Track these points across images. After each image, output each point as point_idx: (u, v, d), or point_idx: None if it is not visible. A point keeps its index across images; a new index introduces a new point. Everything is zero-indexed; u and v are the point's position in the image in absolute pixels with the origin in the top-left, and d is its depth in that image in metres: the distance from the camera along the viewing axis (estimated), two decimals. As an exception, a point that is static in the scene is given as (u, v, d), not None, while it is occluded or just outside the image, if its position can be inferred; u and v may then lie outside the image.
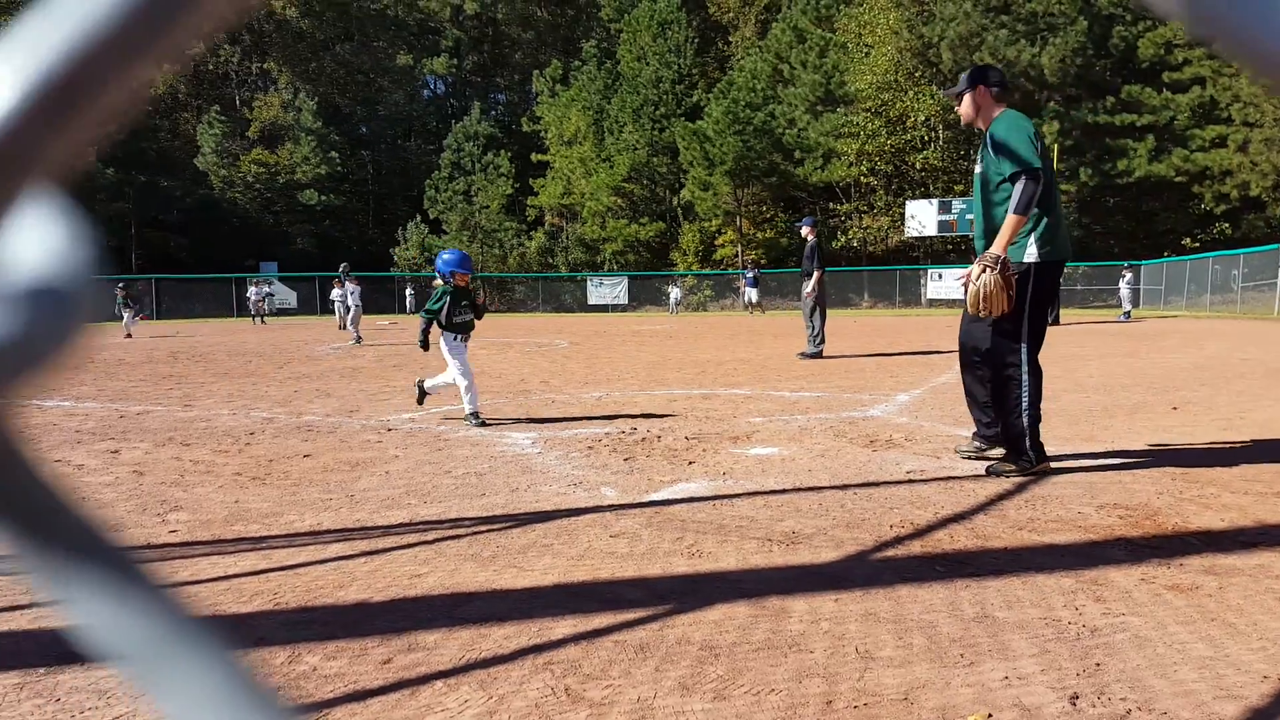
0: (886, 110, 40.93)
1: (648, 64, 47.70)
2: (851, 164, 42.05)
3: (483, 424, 6.47)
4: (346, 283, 19.56)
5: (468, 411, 6.57)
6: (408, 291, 45.73)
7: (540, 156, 51.10)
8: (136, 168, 44.56)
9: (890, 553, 3.30)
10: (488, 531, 3.67)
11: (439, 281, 6.78)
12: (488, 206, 48.52)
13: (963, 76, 4.74)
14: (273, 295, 38.38)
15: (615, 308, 46.39)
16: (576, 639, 2.46)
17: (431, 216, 49.85)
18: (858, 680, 2.19)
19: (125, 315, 22.84)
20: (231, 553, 3.52)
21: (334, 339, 19.99)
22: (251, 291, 33.02)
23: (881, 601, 2.76)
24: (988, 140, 4.51)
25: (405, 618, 2.67)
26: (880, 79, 40.54)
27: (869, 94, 40.96)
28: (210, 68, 53.54)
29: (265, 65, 54.19)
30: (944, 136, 41.40)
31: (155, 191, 45.58)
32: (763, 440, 5.75)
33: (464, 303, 6.67)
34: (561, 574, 3.06)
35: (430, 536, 3.60)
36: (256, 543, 3.62)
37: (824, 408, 7.31)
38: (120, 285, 24.96)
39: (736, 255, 46.05)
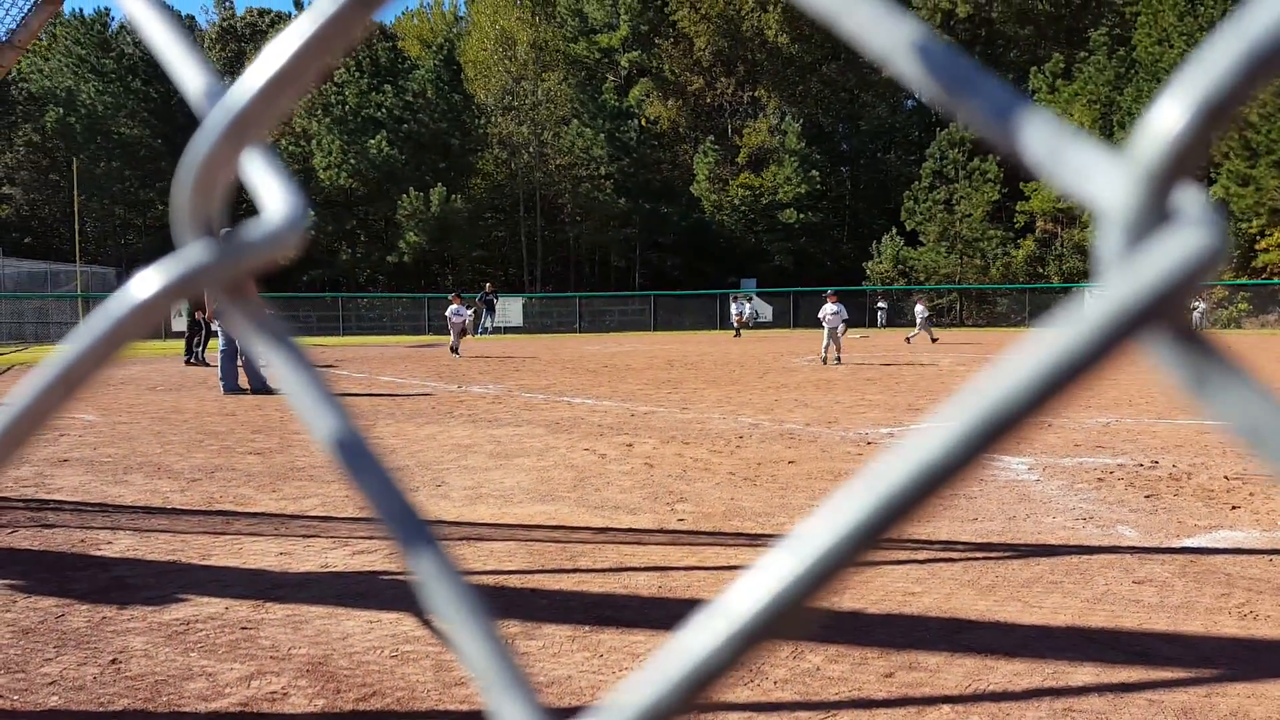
0: None
1: (1172, 46, 41.32)
2: None
3: None
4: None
5: None
6: (879, 305, 45.62)
7: (1032, 159, 47.22)
8: (643, 197, 51.16)
9: None
10: (984, 559, 3.48)
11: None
12: (970, 215, 46.28)
13: None
14: (751, 310, 41.20)
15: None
16: (1100, 689, 2.21)
17: (908, 228, 49.08)
18: None
19: None
20: (732, 545, 3.83)
21: (805, 352, 20.76)
22: (734, 308, 35.58)
23: None
24: None
25: (902, 635, 2.65)
26: None
27: None
28: (707, 100, 59.24)
29: (756, 93, 58.33)
30: None
31: (657, 217, 51.83)
32: (1339, 490, 4.59)
33: None
34: (1075, 616, 2.77)
35: (921, 556, 3.52)
36: (753, 539, 3.89)
37: None
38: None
39: (1287, 261, 37.56)
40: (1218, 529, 3.83)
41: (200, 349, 15.57)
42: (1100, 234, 0.24)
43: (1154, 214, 0.23)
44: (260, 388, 10.47)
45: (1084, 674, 2.31)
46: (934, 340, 23.84)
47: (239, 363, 10.57)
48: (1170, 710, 2.10)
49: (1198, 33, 40.92)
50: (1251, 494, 4.50)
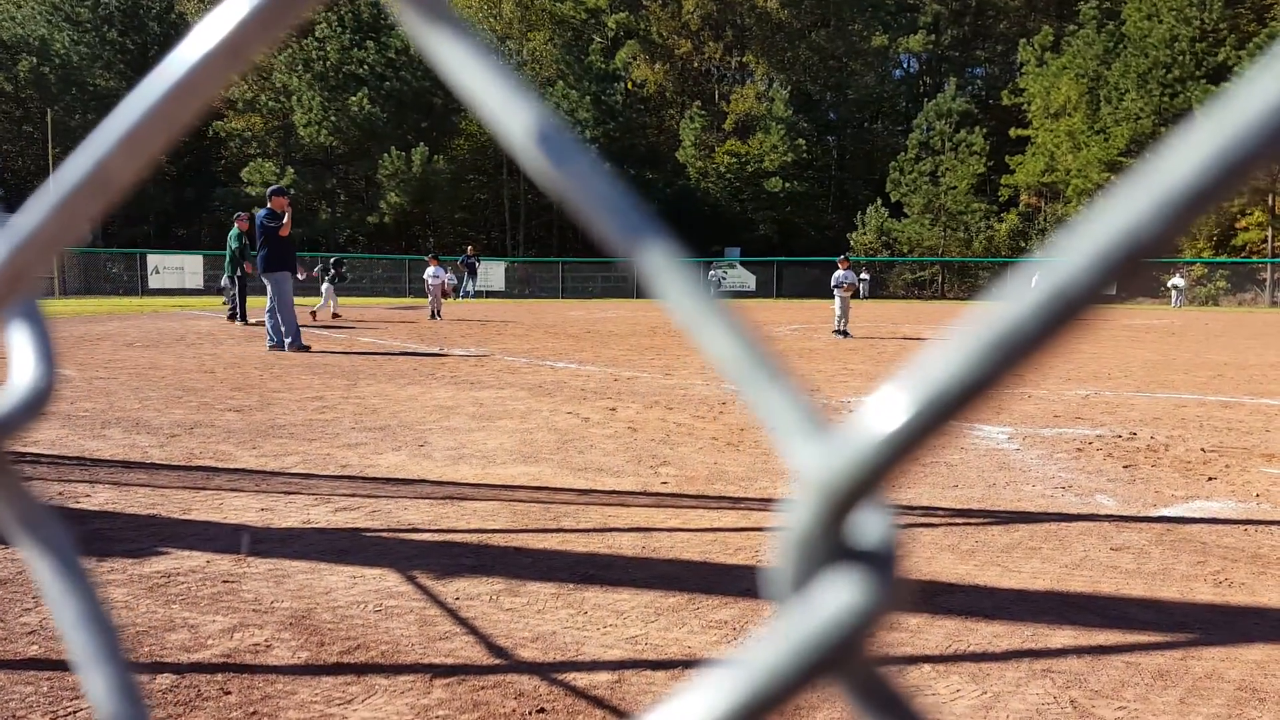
0: None
1: (1160, 21, 41.24)
2: None
3: None
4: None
5: None
6: (863, 276, 45.72)
7: (1020, 131, 47.22)
8: (628, 161, 50.75)
9: None
10: (964, 525, 3.51)
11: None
12: (955, 187, 46.29)
13: None
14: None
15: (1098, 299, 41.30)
16: (1078, 651, 2.25)
17: (893, 200, 49.05)
18: None
19: None
20: (715, 508, 3.84)
21: (789, 321, 20.80)
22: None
23: None
24: None
25: (884, 595, 2.68)
26: None
27: None
28: (695, 65, 58.60)
29: (744, 59, 57.76)
30: None
31: (642, 183, 51.47)
32: (1312, 463, 4.67)
33: None
34: (1053, 580, 2.81)
35: (902, 521, 3.55)
36: (735, 502, 3.91)
37: (1405, 432, 5.71)
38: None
39: (1265, 242, 37.98)
40: (1194, 499, 3.89)
41: (240, 306, 14.80)
42: (777, 541, 0.21)
43: (825, 545, 0.21)
44: (297, 345, 10.47)
45: (1062, 636, 2.35)
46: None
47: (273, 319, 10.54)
48: (1147, 672, 2.13)
49: (1187, 8, 40.87)
50: (1228, 466, 4.56)
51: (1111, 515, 3.61)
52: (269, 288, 10.57)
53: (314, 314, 16.50)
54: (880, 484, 0.20)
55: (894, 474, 0.19)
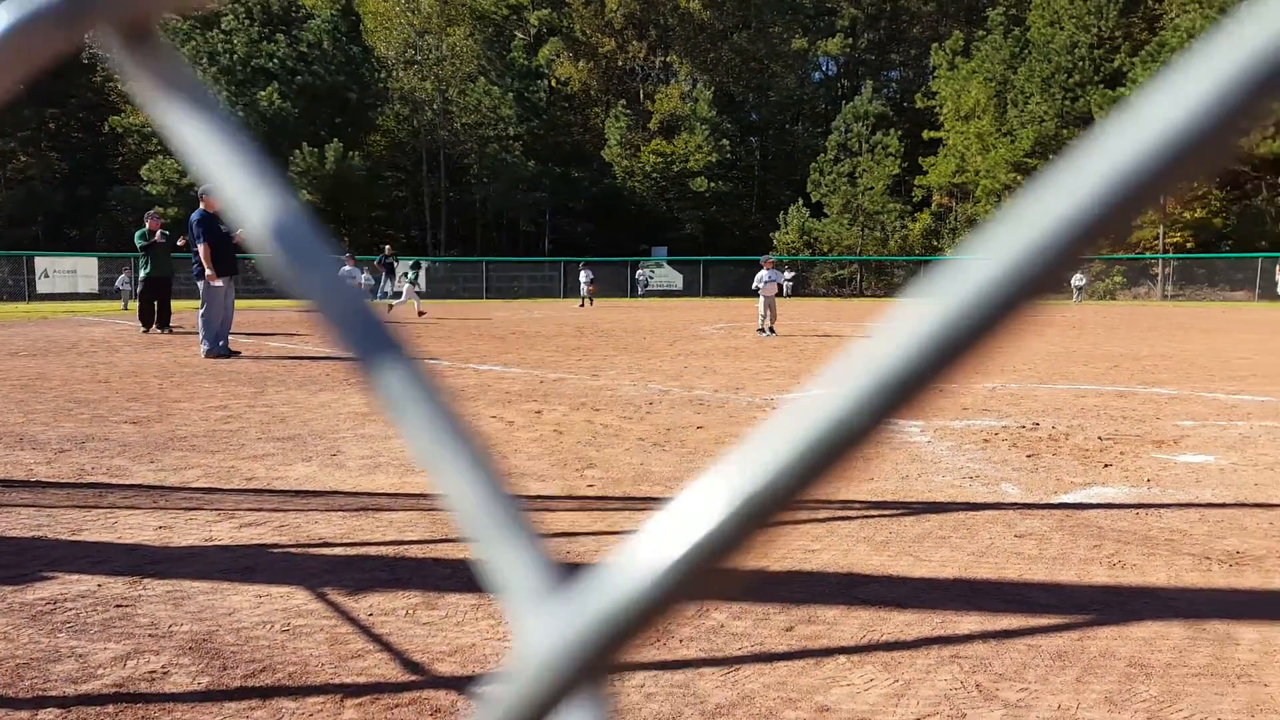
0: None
1: (1062, 28, 43.10)
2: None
3: None
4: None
5: None
6: (786, 275, 46.50)
7: (933, 134, 48.73)
8: (553, 160, 50.46)
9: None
10: (879, 516, 3.59)
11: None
12: (872, 188, 47.46)
13: None
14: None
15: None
16: (984, 636, 2.32)
17: (814, 200, 50.02)
18: (1348, 742, 1.79)
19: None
20: (640, 510, 3.84)
21: (715, 320, 21.01)
22: (583, 276, 31.28)
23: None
24: None
25: (802, 589, 2.71)
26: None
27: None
28: (619, 64, 58.65)
29: (668, 58, 58.09)
30: None
31: (567, 181, 51.25)
32: (1194, 447, 4.94)
33: None
34: (961, 568, 2.89)
35: (820, 515, 3.60)
36: (661, 503, 3.91)
37: (1274, 414, 6.08)
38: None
39: (1157, 238, 40.04)
40: (1092, 485, 4.06)
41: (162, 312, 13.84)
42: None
43: None
44: (222, 353, 10.22)
45: (969, 622, 2.41)
46: None
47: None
48: (1047, 653, 2.21)
49: (1086, 16, 42.72)
50: (1122, 453, 4.78)
51: (1016, 503, 3.74)
52: (201, 291, 10.30)
53: (390, 308, 19.36)
54: (608, 661, 0.17)
55: (630, 644, 0.17)
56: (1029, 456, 4.70)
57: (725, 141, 52.16)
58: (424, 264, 24.12)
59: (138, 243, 13.38)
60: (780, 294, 15.43)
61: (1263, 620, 2.43)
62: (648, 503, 3.90)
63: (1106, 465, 4.48)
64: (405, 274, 21.53)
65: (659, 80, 59.16)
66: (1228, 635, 2.32)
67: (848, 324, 18.73)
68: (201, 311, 10.34)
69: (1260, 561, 2.94)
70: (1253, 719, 1.87)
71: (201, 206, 10.42)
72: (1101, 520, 3.48)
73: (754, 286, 14.59)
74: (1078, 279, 36.25)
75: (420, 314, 20.17)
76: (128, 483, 4.19)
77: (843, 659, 2.17)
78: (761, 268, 14.56)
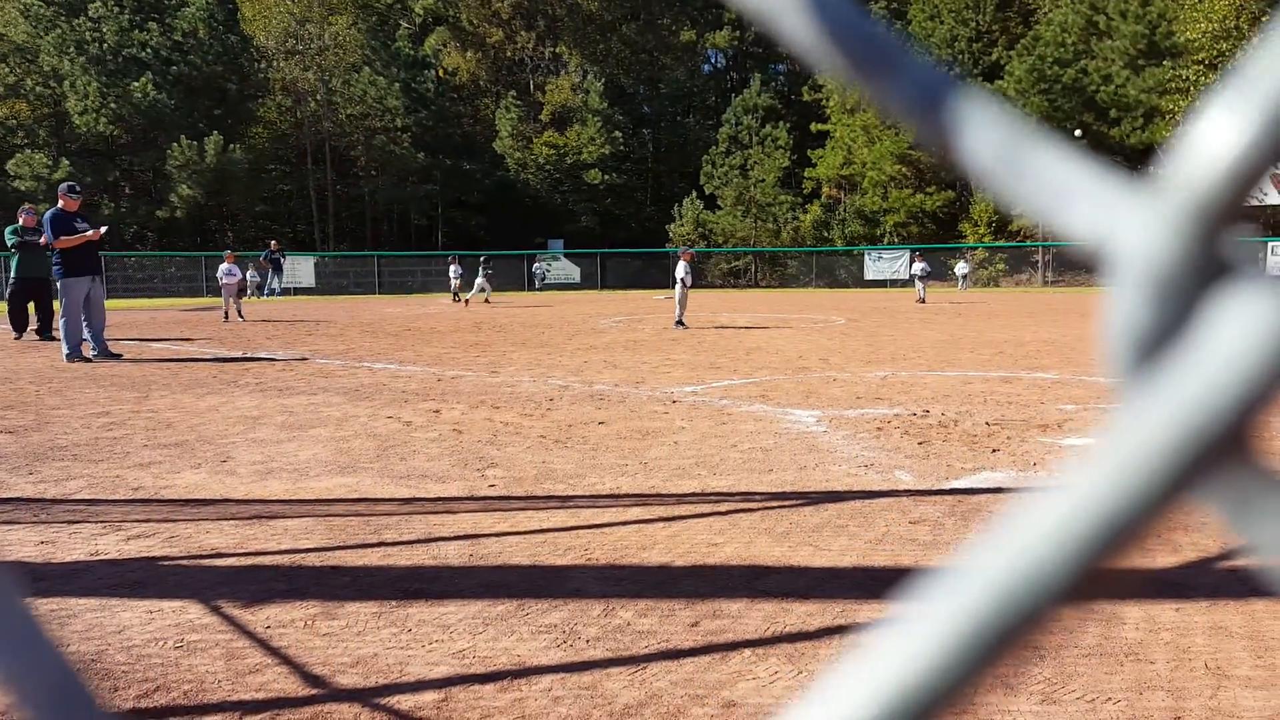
0: (1223, 62, 35.41)
1: (942, 22, 44.98)
2: (1179, 123, 36.93)
3: None
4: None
5: None
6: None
7: (820, 126, 50.02)
8: (443, 152, 49.43)
9: (1241, 562, 2.89)
10: (779, 507, 3.69)
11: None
12: (763, 180, 48.42)
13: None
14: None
15: (895, 283, 44.56)
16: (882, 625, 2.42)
17: (707, 192, 50.67)
18: (1209, 698, 1.97)
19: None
20: (543, 509, 3.83)
21: (613, 313, 21.09)
22: (452, 271, 27.63)
23: (1232, 615, 2.45)
24: None
25: (707, 584, 2.76)
26: (1217, 26, 35.12)
27: (1203, 44, 35.68)
28: (508, 54, 57.89)
29: (557, 49, 57.68)
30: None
31: (459, 173, 50.32)
32: (1077, 430, 5.26)
33: None
34: (860, 557, 3.01)
35: (723, 508, 3.68)
36: (564, 501, 3.91)
37: (1145, 398, 6.54)
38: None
39: (1037, 226, 42.30)
40: (981, 470, 4.28)
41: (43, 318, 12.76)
42: (1118, 294, 0.18)
43: (1205, 268, 0.17)
44: (105, 355, 9.78)
45: (868, 610, 2.52)
46: (920, 301, 24.06)
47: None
48: (941, 636, 2.33)
49: (964, 10, 44.65)
50: (1009, 438, 5.05)
51: (909, 490, 3.91)
52: (63, 294, 9.76)
53: (466, 300, 22.85)
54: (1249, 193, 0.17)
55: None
56: (920, 443, 4.91)
57: (618, 134, 52.21)
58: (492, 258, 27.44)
59: (8, 239, 12.44)
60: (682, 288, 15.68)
61: (1146, 599, 2.60)
62: (550, 501, 3.89)
63: (994, 450, 4.72)
64: (480, 267, 24.22)
65: (549, 71, 58.70)
66: (1114, 615, 2.47)
67: (742, 314, 19.11)
68: (62, 312, 9.86)
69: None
70: (1141, 695, 2.01)
71: (60, 204, 9.98)
72: (991, 504, 3.67)
73: (680, 278, 14.78)
74: (961, 267, 37.95)
75: (486, 301, 23.76)
76: (5, 496, 3.91)
77: (748, 653, 2.23)
78: (679, 260, 14.92)
